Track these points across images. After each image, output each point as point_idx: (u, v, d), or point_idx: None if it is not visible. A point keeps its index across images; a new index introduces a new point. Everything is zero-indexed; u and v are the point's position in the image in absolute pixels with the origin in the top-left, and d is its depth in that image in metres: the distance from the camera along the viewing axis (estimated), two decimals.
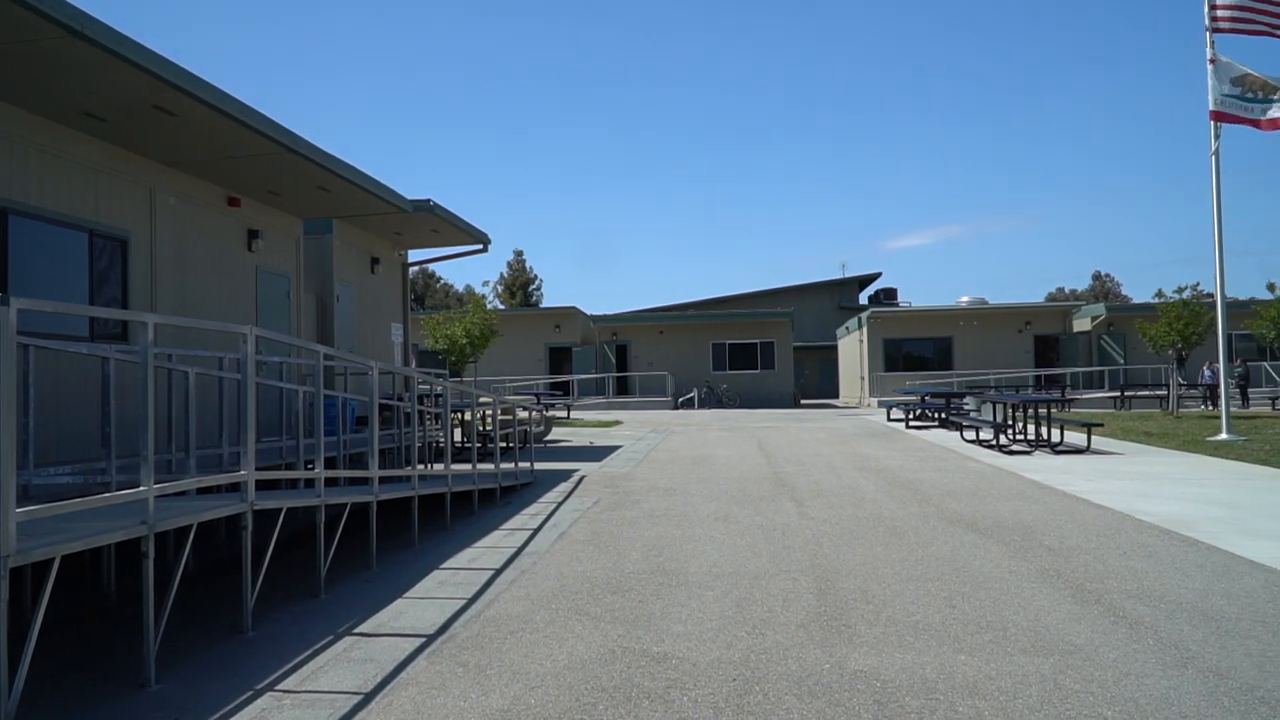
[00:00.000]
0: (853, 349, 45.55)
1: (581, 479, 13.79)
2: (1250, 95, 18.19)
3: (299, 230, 15.20)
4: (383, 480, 8.94)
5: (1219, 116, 18.37)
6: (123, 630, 6.39)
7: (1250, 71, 18.11)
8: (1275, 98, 18.00)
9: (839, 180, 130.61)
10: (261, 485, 6.86)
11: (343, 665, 5.27)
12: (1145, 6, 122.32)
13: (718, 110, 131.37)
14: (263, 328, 8.14)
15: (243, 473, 6.18)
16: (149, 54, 8.24)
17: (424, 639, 5.74)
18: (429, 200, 15.80)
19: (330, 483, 8.38)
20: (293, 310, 14.85)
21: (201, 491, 6.93)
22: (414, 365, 21.92)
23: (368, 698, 4.67)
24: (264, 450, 10.00)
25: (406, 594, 7.08)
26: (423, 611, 6.49)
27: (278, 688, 4.93)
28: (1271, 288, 22.19)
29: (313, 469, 7.73)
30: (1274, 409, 29.24)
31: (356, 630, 6.05)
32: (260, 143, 10.74)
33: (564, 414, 30.74)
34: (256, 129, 10.17)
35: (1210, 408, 29.85)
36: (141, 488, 5.08)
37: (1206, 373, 30.75)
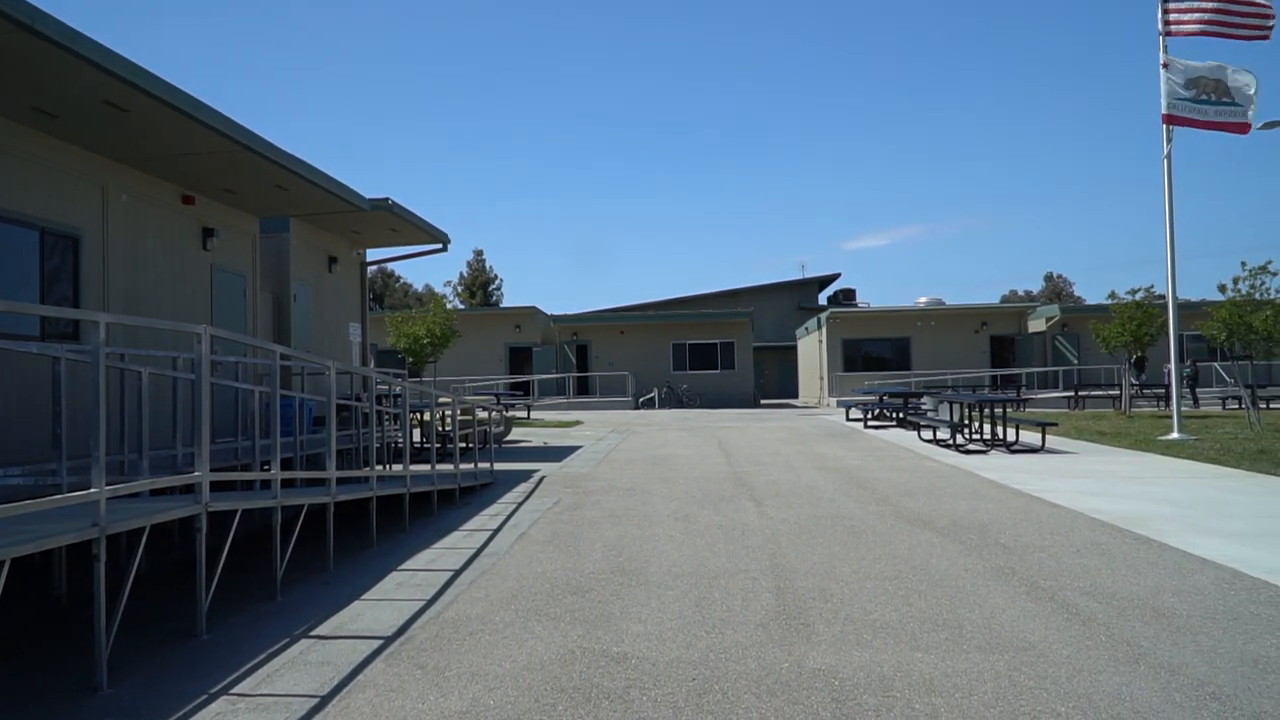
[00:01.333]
0: (812, 349, 45.80)
1: (542, 479, 13.75)
2: (1204, 98, 18.43)
3: (255, 229, 15.01)
4: (340, 481, 8.85)
5: (1172, 120, 18.66)
6: (74, 633, 6.28)
7: (1204, 75, 18.36)
8: (1228, 100, 18.29)
9: (798, 182, 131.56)
10: (216, 486, 6.77)
11: (299, 668, 5.22)
12: (1100, 10, 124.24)
13: (681, 113, 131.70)
14: (218, 327, 8.04)
15: (197, 474, 6.09)
16: (100, 49, 8.10)
17: (382, 641, 5.70)
18: (387, 199, 15.66)
19: (287, 484, 8.29)
20: (249, 310, 14.66)
21: (155, 493, 6.83)
22: (373, 365, 21.73)
23: (324, 700, 4.63)
24: (219, 451, 9.87)
25: (364, 596, 7.02)
26: (381, 613, 6.44)
27: (233, 691, 4.87)
28: (1222, 289, 22.55)
29: (269, 470, 7.64)
30: (1224, 409, 29.81)
31: (313, 633, 5.98)
32: (215, 140, 10.58)
33: (524, 414, 30.65)
34: (211, 125, 10.02)
35: (1164, 406, 30.36)
36: (93, 489, 5.00)
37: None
